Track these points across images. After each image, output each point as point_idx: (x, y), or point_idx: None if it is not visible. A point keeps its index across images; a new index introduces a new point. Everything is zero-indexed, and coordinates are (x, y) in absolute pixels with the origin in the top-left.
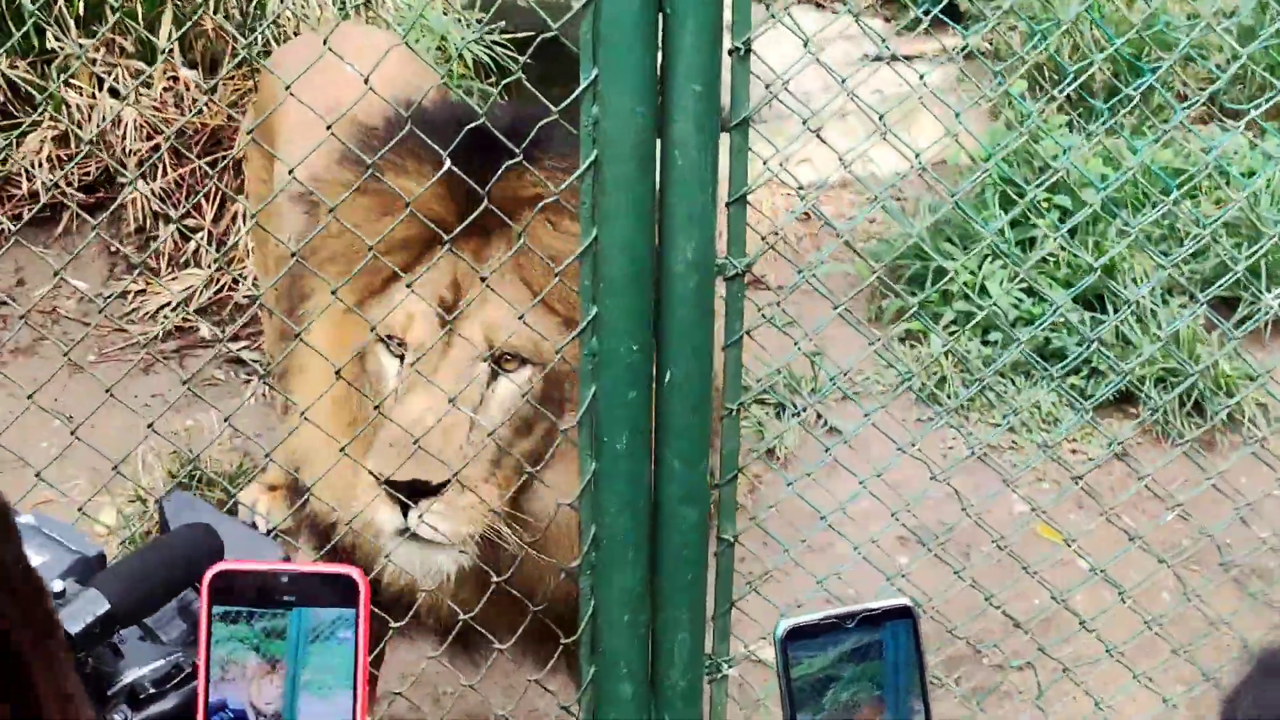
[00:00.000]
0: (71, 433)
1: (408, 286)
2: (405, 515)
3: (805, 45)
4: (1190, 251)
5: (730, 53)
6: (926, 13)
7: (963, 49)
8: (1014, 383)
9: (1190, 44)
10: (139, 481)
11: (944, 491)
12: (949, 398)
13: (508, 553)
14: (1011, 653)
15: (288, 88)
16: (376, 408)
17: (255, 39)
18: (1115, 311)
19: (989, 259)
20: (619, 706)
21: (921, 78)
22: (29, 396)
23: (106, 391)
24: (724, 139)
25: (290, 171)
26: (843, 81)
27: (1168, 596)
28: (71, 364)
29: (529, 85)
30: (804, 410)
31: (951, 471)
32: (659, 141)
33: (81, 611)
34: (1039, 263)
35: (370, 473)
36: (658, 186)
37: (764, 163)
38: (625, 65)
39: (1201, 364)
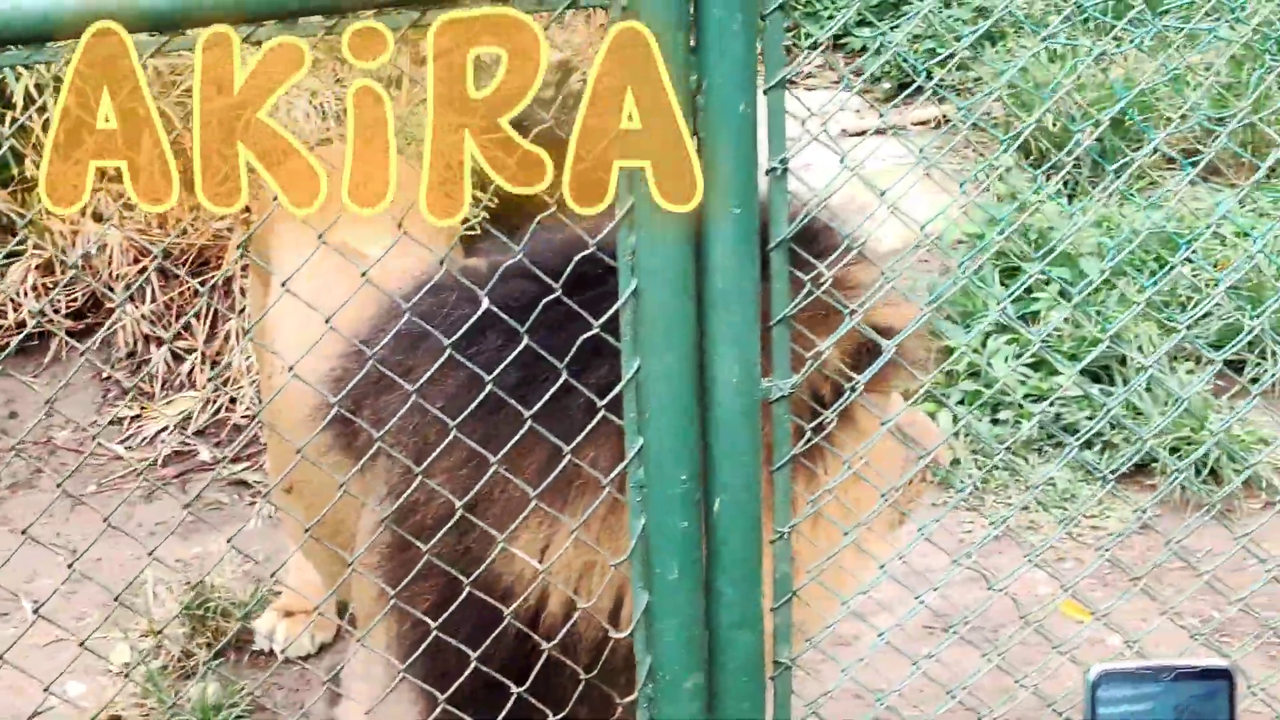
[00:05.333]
0: (69, 565)
1: None
2: None
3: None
4: (1199, 315)
5: (767, 173)
6: (901, 85)
7: (944, 120)
8: (1027, 460)
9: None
10: (149, 614)
11: (964, 575)
12: (962, 480)
13: None
14: None
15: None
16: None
17: None
18: (1120, 382)
19: (991, 335)
20: None
21: (921, 150)
22: (23, 532)
23: (105, 521)
24: None
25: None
26: (840, 160)
27: None
28: (71, 495)
29: None
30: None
31: (972, 554)
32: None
33: None
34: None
35: None
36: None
37: (807, 280)
38: None
39: (1218, 429)
